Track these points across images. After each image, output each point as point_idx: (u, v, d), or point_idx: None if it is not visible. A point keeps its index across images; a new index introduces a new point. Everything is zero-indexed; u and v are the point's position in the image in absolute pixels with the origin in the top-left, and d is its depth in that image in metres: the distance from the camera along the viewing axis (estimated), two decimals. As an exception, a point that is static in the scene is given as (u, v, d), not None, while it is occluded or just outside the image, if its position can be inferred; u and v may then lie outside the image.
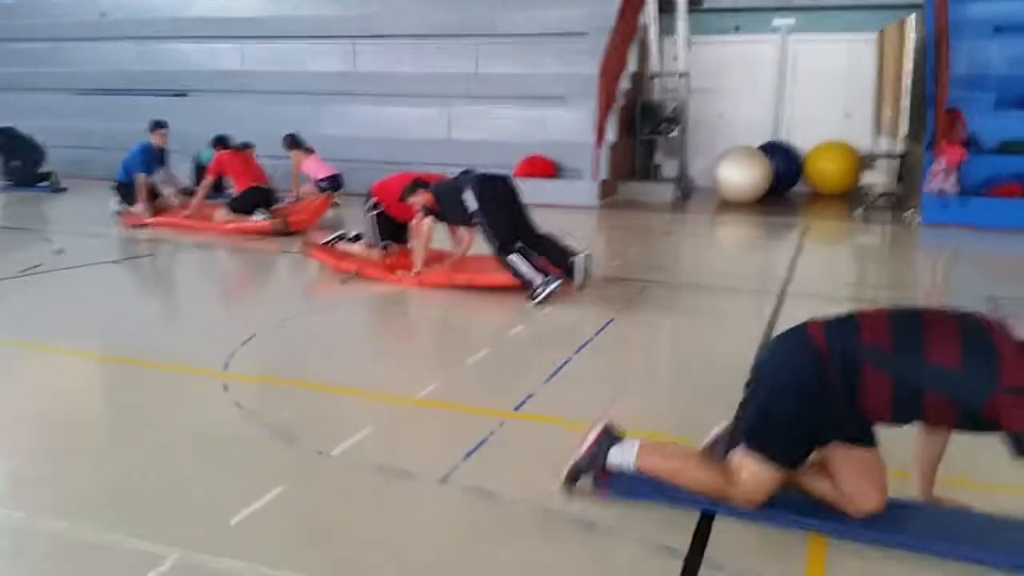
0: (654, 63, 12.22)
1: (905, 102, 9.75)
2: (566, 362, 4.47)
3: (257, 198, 8.80)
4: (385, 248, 6.62)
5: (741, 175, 11.23)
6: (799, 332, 2.58)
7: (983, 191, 9.52)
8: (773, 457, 2.57)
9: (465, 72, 12.74)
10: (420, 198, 6.12)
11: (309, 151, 10.47)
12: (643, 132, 12.22)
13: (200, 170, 10.02)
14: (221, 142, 9.48)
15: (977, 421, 2.35)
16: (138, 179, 8.94)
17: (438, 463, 3.15)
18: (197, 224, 8.66)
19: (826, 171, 12.24)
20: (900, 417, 2.46)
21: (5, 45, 15.60)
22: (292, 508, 2.86)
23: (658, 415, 3.69)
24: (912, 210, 10.39)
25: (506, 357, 4.71)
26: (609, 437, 2.85)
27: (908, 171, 11.41)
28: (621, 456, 2.79)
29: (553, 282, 5.57)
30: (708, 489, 2.67)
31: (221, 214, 8.74)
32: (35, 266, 6.63)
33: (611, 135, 11.31)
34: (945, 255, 8.65)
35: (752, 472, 2.59)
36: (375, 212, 6.63)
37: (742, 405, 2.68)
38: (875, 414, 2.45)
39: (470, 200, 5.87)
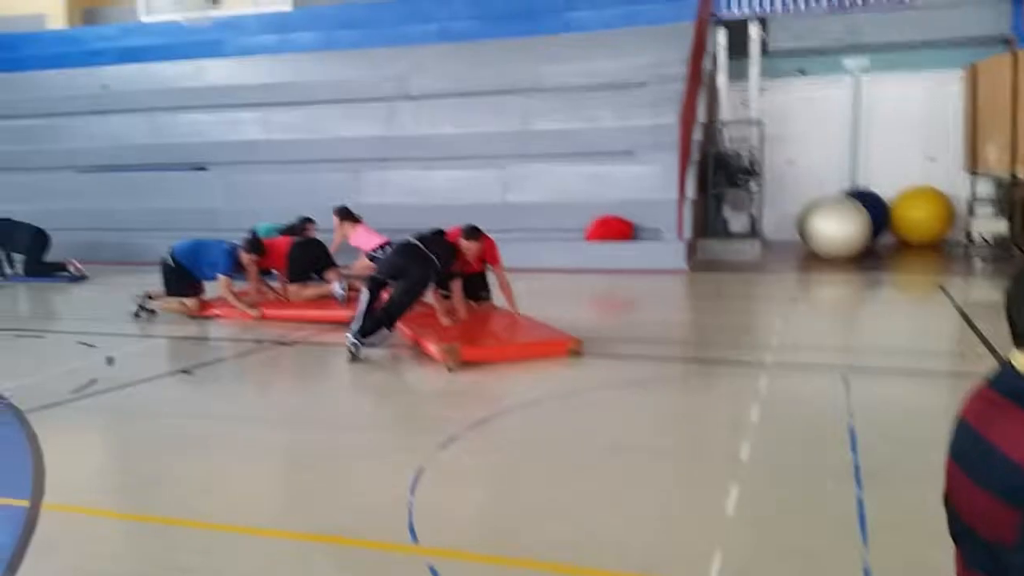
0: (724, 111, 11.23)
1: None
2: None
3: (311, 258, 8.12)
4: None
5: (837, 228, 10.13)
6: None
7: None
8: None
9: (514, 130, 11.71)
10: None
11: (357, 221, 9.41)
12: (717, 185, 11.13)
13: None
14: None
15: None
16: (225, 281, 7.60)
17: None
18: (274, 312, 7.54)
19: (916, 220, 11.22)
20: None
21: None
22: None
23: None
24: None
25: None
26: None
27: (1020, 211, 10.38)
28: None
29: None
30: None
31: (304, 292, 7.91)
32: (90, 383, 5.19)
33: (690, 190, 10.21)
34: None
35: None
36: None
37: None
38: None
39: None
